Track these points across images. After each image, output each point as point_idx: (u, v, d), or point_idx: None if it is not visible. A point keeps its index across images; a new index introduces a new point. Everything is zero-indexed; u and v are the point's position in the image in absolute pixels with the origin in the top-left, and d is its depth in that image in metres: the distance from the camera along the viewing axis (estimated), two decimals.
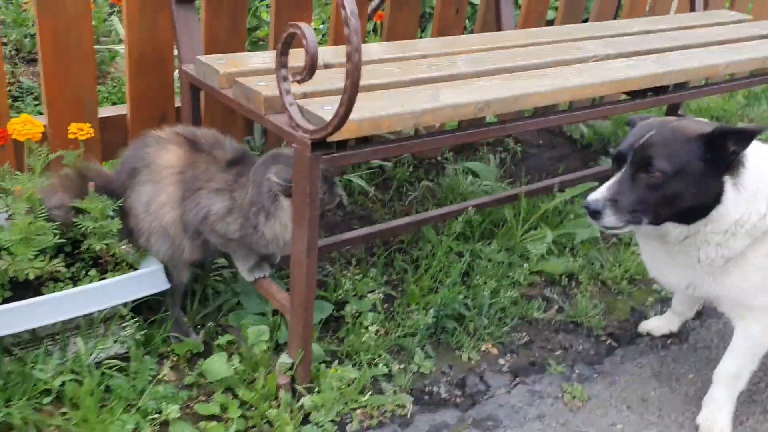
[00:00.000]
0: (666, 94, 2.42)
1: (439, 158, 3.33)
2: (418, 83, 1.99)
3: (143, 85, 2.37)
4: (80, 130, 2.13)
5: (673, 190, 1.73)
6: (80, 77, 2.25)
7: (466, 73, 2.11)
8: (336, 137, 1.65)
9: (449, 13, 3.06)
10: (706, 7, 3.58)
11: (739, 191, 1.75)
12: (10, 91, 3.20)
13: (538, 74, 2.17)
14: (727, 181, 1.74)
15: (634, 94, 2.35)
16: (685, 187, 1.72)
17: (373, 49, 2.33)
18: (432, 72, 2.08)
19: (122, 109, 2.47)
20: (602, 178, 1.94)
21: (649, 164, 1.73)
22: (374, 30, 3.81)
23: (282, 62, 1.68)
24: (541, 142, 3.68)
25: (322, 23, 3.87)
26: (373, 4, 3.61)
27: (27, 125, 1.88)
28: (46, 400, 1.79)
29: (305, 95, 1.80)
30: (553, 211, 2.80)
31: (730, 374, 1.98)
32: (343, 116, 1.56)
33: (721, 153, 1.72)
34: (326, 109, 1.67)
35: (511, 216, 2.72)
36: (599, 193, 1.78)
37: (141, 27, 2.27)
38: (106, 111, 2.47)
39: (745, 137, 1.71)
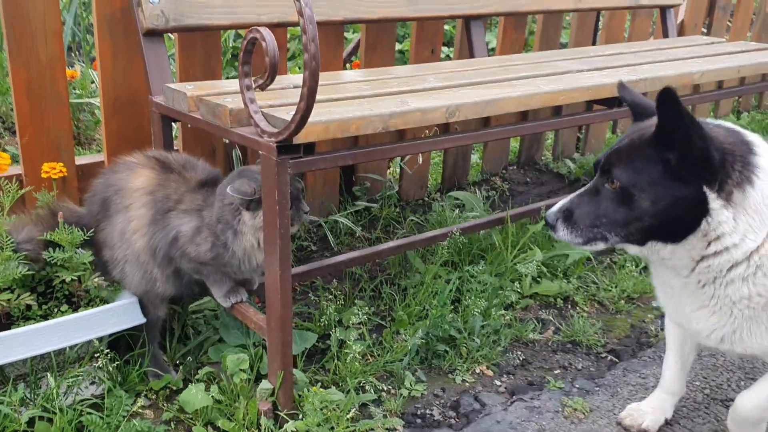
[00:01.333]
0: None
1: (426, 198, 3.30)
2: (387, 95, 1.98)
3: (119, 130, 2.36)
4: (53, 169, 2.12)
5: (636, 203, 1.45)
6: (55, 122, 2.24)
7: (436, 86, 2.10)
8: (302, 138, 1.62)
9: (424, 54, 3.10)
10: (680, 35, 3.62)
11: (746, 213, 1.42)
12: None
13: (510, 84, 2.16)
14: (709, 193, 1.41)
15: (609, 104, 2.34)
16: (649, 199, 1.44)
17: (347, 74, 2.34)
18: (402, 87, 2.07)
19: (99, 156, 2.45)
20: None
21: (609, 173, 1.49)
22: None
23: (245, 71, 1.67)
24: (528, 179, 3.64)
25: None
26: (347, 50, 3.66)
27: None
28: None
29: (272, 107, 1.78)
30: (542, 235, 2.74)
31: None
32: (304, 111, 1.53)
33: (681, 150, 1.39)
34: (291, 114, 1.64)
35: (499, 241, 2.66)
36: (557, 205, 1.57)
37: (114, 72, 2.29)
38: (83, 159, 2.45)
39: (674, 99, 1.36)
